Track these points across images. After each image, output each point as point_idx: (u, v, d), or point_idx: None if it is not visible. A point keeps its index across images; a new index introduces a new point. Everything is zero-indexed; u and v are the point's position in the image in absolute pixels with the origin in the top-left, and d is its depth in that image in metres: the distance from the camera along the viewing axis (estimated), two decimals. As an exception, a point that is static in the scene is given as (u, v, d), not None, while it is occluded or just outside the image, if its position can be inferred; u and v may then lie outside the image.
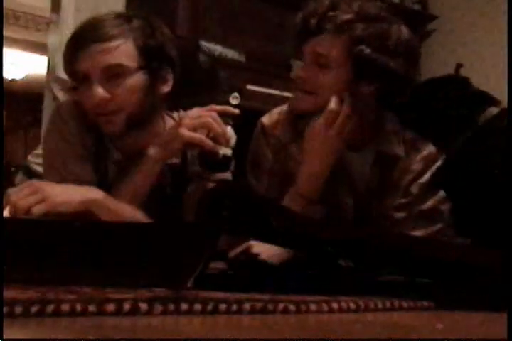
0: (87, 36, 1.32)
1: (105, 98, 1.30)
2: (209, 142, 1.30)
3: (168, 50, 1.41)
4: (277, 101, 2.18)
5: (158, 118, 1.45)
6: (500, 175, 1.24)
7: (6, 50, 6.47)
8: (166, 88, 1.41)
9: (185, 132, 1.30)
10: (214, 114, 1.32)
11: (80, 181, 1.32)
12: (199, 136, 1.30)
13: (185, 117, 1.35)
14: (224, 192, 1.06)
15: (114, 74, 1.31)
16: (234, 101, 1.37)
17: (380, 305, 0.86)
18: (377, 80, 1.41)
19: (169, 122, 1.48)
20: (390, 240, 1.07)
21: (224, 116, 1.34)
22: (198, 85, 2.66)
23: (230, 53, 2.83)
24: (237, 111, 1.36)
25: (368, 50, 1.38)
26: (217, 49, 2.80)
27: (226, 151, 1.32)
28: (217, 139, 1.31)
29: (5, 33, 6.01)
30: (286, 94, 2.64)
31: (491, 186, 1.26)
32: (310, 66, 1.42)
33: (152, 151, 1.34)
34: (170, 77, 1.41)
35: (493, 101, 1.34)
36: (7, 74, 6.80)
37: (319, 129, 1.40)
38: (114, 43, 1.31)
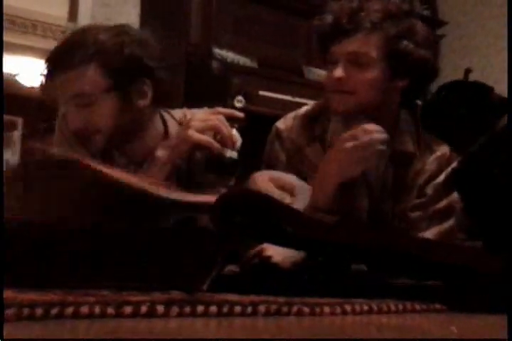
0: (55, 65, 1.33)
1: (79, 126, 1.31)
2: (216, 144, 1.30)
3: (143, 60, 1.38)
4: (290, 106, 2.18)
5: (153, 123, 1.44)
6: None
7: (24, 58, 6.53)
8: (144, 101, 1.39)
9: (193, 134, 1.31)
10: (221, 117, 1.33)
11: None
12: (207, 138, 1.30)
13: (193, 119, 1.35)
14: (237, 197, 1.06)
15: (83, 102, 1.31)
16: (238, 104, 1.38)
17: (392, 308, 0.86)
18: (411, 73, 1.45)
19: (170, 121, 1.48)
20: (401, 244, 1.07)
21: (230, 119, 1.34)
22: (211, 91, 2.67)
23: (242, 60, 2.83)
24: (242, 114, 1.37)
25: (402, 45, 1.42)
26: (230, 56, 2.81)
27: (232, 154, 1.32)
28: (224, 142, 1.31)
29: (23, 41, 6.06)
30: (298, 99, 2.64)
31: (503, 189, 1.26)
32: (346, 66, 1.43)
33: (160, 153, 1.35)
34: (148, 88, 1.39)
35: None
36: (25, 82, 6.85)
37: (347, 146, 1.38)
38: (78, 71, 1.31)
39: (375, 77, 1.43)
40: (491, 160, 1.29)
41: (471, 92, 1.33)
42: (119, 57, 1.35)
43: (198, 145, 1.33)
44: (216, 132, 1.31)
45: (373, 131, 1.37)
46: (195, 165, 1.46)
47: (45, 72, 1.35)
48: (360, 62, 1.42)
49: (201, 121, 1.32)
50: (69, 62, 1.30)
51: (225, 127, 1.31)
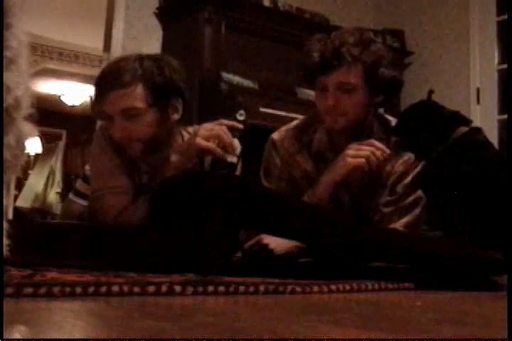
0: (107, 84, 1.33)
1: (125, 134, 1.31)
2: (219, 150, 1.30)
3: (177, 82, 1.38)
4: (284, 120, 2.18)
5: (176, 136, 1.45)
6: (469, 180, 1.23)
7: (67, 82, 6.53)
8: (177, 115, 1.39)
9: (200, 141, 1.30)
10: (224, 128, 1.32)
11: (118, 187, 1.32)
12: (211, 144, 1.30)
13: (200, 129, 1.34)
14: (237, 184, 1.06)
15: (130, 114, 1.31)
16: (240, 117, 1.37)
17: (369, 287, 0.85)
18: (386, 90, 1.46)
19: (186, 136, 1.48)
20: (378, 235, 1.06)
21: (232, 129, 1.33)
22: (220, 108, 2.67)
23: (246, 82, 2.83)
24: (241, 126, 1.36)
25: (379, 71, 1.43)
26: (236, 79, 2.80)
27: (233, 159, 1.32)
28: (226, 148, 1.30)
29: (67, 68, 6.07)
30: (291, 114, 2.64)
31: (462, 188, 1.26)
32: (335, 93, 1.44)
33: (174, 158, 1.34)
34: (179, 105, 1.39)
35: (465, 121, 1.33)
36: (68, 102, 6.86)
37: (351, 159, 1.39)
38: (128, 90, 1.31)
39: (360, 99, 1.45)
40: (448, 164, 1.29)
41: (427, 110, 1.33)
42: (161, 79, 1.36)
43: (204, 151, 1.32)
44: (219, 140, 1.31)
45: (377, 146, 1.39)
46: (204, 168, 1.45)
47: (96, 91, 1.35)
48: (346, 88, 1.43)
49: (207, 131, 1.32)
50: (120, 82, 1.30)
51: (227, 136, 1.31)
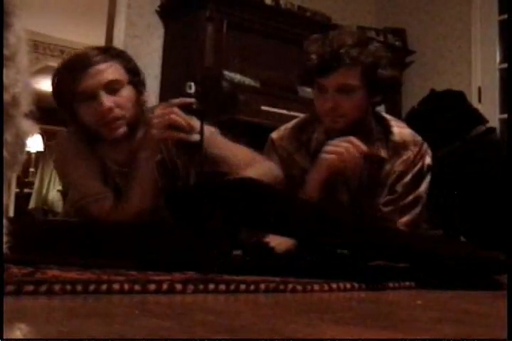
0: (82, 63, 1.32)
1: (111, 106, 1.30)
2: (177, 134, 1.24)
3: (141, 72, 1.42)
4: (286, 118, 2.17)
5: (141, 126, 1.42)
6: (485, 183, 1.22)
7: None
8: (144, 99, 1.40)
9: (154, 133, 1.27)
10: (175, 110, 1.27)
11: (99, 193, 1.31)
12: (167, 133, 1.25)
13: (151, 118, 1.31)
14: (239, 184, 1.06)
15: (113, 88, 1.31)
16: (189, 90, 1.31)
17: (370, 285, 0.85)
18: (384, 90, 1.46)
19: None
20: (379, 234, 1.06)
21: (185, 106, 1.28)
22: (222, 106, 2.66)
23: (247, 80, 2.83)
24: (192, 99, 1.30)
25: (377, 72, 1.43)
26: (237, 77, 2.80)
27: (195, 137, 1.27)
28: (184, 130, 1.26)
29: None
30: (292, 113, 2.64)
31: (465, 188, 1.25)
32: (334, 95, 1.43)
33: (141, 154, 1.31)
34: (144, 91, 1.41)
35: (483, 120, 1.33)
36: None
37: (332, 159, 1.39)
38: (105, 65, 1.32)
39: (359, 100, 1.44)
40: (460, 164, 1.28)
41: (446, 100, 1.31)
42: (132, 62, 1.39)
43: (164, 139, 1.30)
44: (175, 124, 1.27)
45: (354, 142, 1.38)
46: (172, 153, 1.42)
47: (65, 74, 1.33)
48: (345, 90, 1.42)
49: (159, 118, 1.27)
50: (97, 59, 1.30)
51: (181, 118, 1.25)
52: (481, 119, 1.30)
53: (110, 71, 1.34)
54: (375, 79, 1.44)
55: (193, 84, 1.30)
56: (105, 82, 1.32)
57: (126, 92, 1.35)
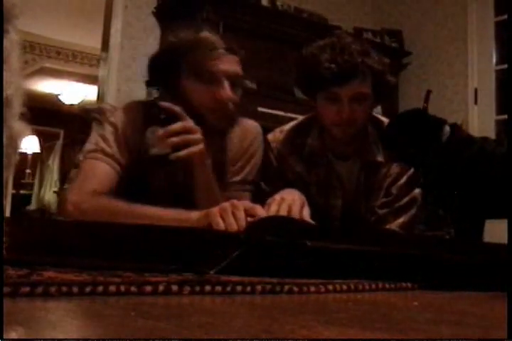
0: (213, 45, 1.37)
1: (230, 97, 1.32)
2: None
3: None
4: (283, 120, 2.18)
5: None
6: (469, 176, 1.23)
7: (65, 82, 6.52)
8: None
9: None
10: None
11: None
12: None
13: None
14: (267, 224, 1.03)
15: (234, 80, 1.34)
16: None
17: (367, 287, 0.85)
18: (388, 96, 1.47)
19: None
20: (375, 236, 1.06)
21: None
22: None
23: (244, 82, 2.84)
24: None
25: (385, 79, 1.43)
26: (234, 79, 2.80)
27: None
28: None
29: (65, 68, 6.06)
30: (290, 114, 2.64)
31: (462, 186, 1.26)
32: (350, 104, 1.42)
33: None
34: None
35: (443, 121, 1.34)
36: (66, 101, 6.84)
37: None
38: (237, 57, 1.38)
39: (369, 109, 1.45)
40: (445, 162, 1.29)
41: (411, 119, 1.33)
42: None
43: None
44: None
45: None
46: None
47: (199, 52, 1.33)
48: (359, 99, 1.42)
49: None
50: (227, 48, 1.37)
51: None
52: (443, 121, 1.32)
53: (237, 64, 1.38)
54: (383, 86, 1.45)
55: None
56: (234, 74, 1.35)
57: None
